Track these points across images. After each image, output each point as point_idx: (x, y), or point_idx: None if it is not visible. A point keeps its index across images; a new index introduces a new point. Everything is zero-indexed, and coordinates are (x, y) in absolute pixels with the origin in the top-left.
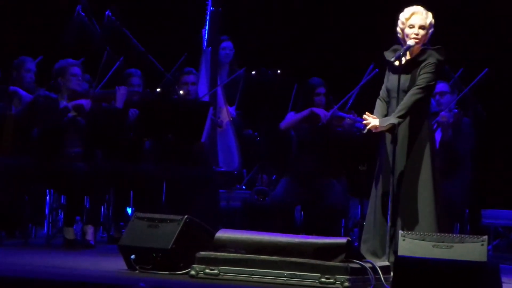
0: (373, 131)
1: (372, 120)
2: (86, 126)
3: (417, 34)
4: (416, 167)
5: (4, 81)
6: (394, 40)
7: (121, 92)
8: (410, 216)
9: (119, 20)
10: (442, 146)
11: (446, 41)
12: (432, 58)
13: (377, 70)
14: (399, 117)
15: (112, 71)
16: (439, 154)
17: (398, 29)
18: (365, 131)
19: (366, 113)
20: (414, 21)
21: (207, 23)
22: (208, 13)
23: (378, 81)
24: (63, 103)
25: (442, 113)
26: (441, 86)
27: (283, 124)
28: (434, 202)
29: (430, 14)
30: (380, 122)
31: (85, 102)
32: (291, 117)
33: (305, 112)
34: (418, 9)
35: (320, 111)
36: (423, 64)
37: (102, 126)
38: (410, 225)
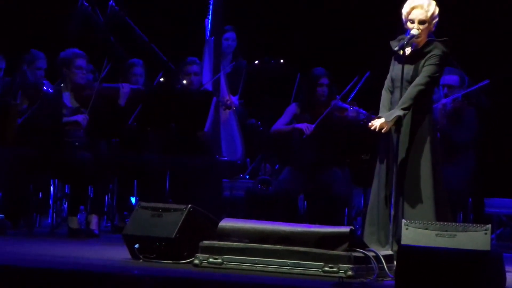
0: (383, 131)
1: (377, 121)
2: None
3: (417, 29)
4: (417, 157)
5: (11, 73)
6: (399, 29)
7: (125, 90)
8: (410, 204)
9: (123, 10)
10: (439, 135)
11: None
12: (437, 50)
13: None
14: (403, 109)
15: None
16: (441, 146)
17: (403, 19)
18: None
19: (370, 123)
20: (414, 16)
21: (210, 13)
22: (211, 2)
23: (382, 72)
24: (67, 95)
25: (443, 101)
26: (452, 80)
27: (273, 130)
28: (433, 191)
29: (432, 5)
30: (385, 117)
31: (81, 118)
32: (280, 126)
33: (290, 127)
34: (418, 2)
35: (303, 125)
36: (428, 56)
37: (104, 122)
38: (411, 213)
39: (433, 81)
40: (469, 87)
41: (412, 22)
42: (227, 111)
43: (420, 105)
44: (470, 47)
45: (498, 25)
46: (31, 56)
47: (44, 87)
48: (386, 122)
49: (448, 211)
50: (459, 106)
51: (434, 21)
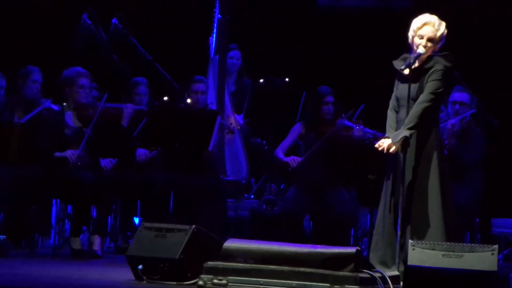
0: (391, 151)
1: (384, 142)
2: (91, 138)
3: (424, 46)
4: (425, 175)
5: (10, 91)
6: (403, 48)
7: (128, 110)
8: (418, 225)
9: (126, 28)
10: (447, 154)
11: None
12: (439, 65)
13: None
14: (409, 128)
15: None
16: (448, 162)
17: (409, 35)
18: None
19: (377, 144)
20: (424, 32)
21: (215, 31)
22: (216, 21)
23: (387, 91)
24: (69, 114)
25: (451, 121)
26: (463, 97)
27: (275, 156)
28: (442, 210)
29: (443, 26)
30: (392, 138)
31: (69, 154)
32: (279, 155)
33: (281, 160)
34: (431, 19)
35: (289, 159)
36: (430, 71)
37: (107, 142)
38: (419, 234)
39: (437, 97)
40: (477, 106)
41: (421, 37)
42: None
43: (426, 122)
44: (475, 66)
45: (504, 44)
46: (25, 70)
47: (47, 104)
48: (393, 143)
49: (457, 229)
50: (467, 126)
51: (440, 42)
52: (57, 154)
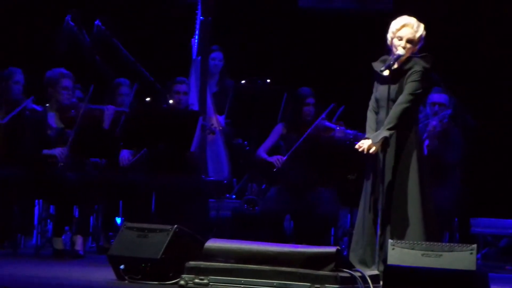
0: (371, 152)
1: (365, 142)
2: (74, 138)
3: (404, 47)
4: (404, 175)
5: None
6: (383, 50)
7: (109, 112)
8: (398, 224)
9: (109, 29)
10: (428, 155)
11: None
12: (418, 66)
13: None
14: (389, 129)
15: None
16: (428, 162)
17: (388, 37)
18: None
19: (358, 145)
20: (403, 33)
21: (197, 33)
22: (198, 22)
23: (366, 92)
24: (52, 115)
25: (431, 121)
26: (442, 98)
27: (257, 156)
28: (421, 210)
29: (421, 27)
30: (372, 139)
31: (59, 153)
32: (264, 148)
33: (264, 159)
34: (409, 21)
35: (273, 159)
36: (409, 73)
37: (89, 143)
38: (399, 233)
39: (416, 98)
40: (455, 106)
41: (400, 39)
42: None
43: (405, 122)
44: (454, 67)
45: (482, 44)
46: (7, 71)
47: (27, 102)
48: (373, 143)
49: (436, 228)
50: (447, 126)
51: (419, 43)
52: (45, 151)
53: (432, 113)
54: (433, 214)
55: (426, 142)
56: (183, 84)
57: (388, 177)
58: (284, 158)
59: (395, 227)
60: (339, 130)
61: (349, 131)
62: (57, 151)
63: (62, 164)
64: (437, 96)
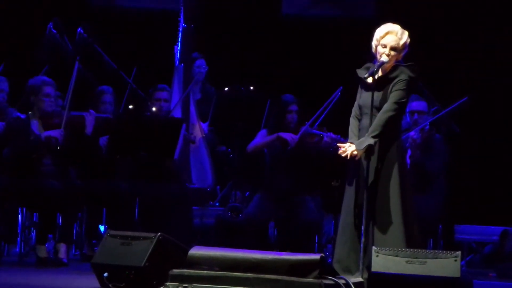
0: (355, 158)
1: (348, 148)
2: (58, 145)
3: (388, 55)
4: (386, 183)
5: None
6: (367, 57)
7: (90, 117)
8: (380, 232)
9: (91, 37)
10: (412, 166)
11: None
12: (403, 75)
13: (339, 94)
14: (373, 136)
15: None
16: (409, 171)
17: (373, 44)
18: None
19: (339, 144)
20: (387, 41)
21: (180, 40)
22: (181, 29)
23: (349, 98)
24: (35, 122)
25: (411, 134)
26: (421, 105)
27: (250, 147)
28: (402, 217)
29: (405, 35)
30: (356, 146)
31: (58, 134)
32: (258, 141)
33: (272, 137)
34: (393, 28)
35: (287, 135)
36: (394, 81)
37: (73, 151)
38: (380, 242)
39: (401, 107)
40: (434, 114)
41: (384, 46)
42: (197, 138)
43: (389, 131)
44: (437, 74)
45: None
46: None
47: (14, 113)
48: (357, 150)
49: (416, 234)
50: (428, 135)
51: (404, 51)
52: (46, 133)
53: (412, 121)
54: (414, 222)
55: (409, 153)
56: (164, 91)
57: (370, 184)
58: (297, 136)
59: (377, 235)
60: (328, 136)
61: (333, 135)
62: (57, 132)
63: (59, 147)
64: (415, 104)
